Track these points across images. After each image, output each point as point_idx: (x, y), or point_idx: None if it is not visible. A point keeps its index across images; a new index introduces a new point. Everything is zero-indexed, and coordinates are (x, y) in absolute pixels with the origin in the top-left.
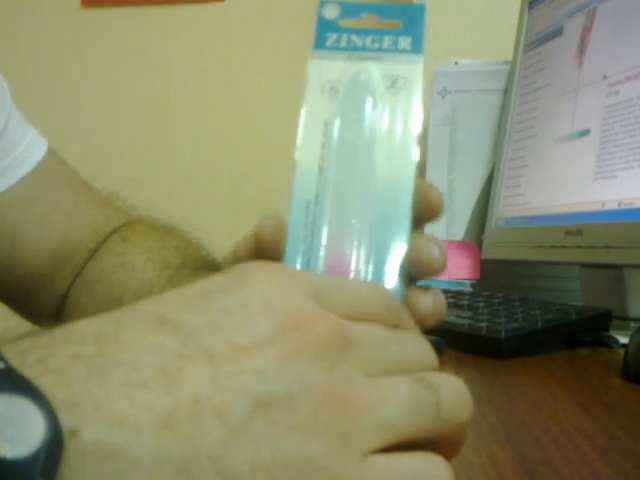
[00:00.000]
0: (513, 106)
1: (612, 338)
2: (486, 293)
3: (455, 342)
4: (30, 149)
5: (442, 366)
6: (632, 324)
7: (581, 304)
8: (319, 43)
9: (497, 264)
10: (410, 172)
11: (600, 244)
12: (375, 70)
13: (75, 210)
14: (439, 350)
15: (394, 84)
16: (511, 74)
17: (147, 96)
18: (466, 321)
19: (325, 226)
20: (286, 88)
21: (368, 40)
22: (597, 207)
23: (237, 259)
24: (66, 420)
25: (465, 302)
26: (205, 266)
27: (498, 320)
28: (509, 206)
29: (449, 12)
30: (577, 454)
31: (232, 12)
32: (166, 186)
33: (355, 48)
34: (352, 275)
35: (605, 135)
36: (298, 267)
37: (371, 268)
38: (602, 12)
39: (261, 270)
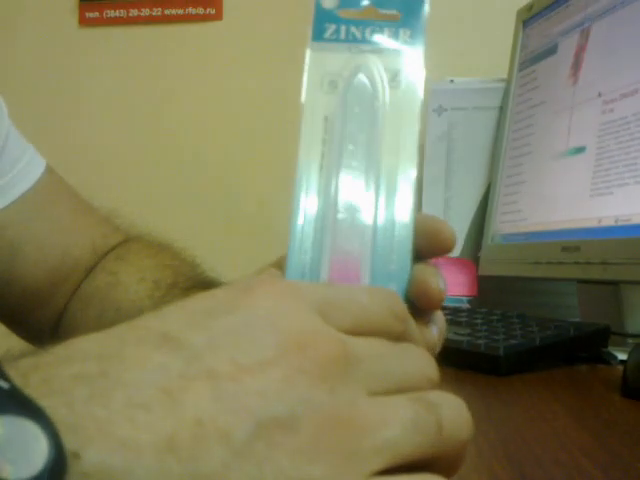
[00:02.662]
0: (509, 123)
1: (610, 354)
2: (484, 310)
3: (453, 359)
4: (29, 167)
5: (440, 383)
6: (630, 340)
7: (579, 320)
8: (317, 34)
9: (494, 281)
10: (412, 168)
11: (597, 260)
12: (376, 64)
13: (74, 228)
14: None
15: (395, 77)
16: (506, 92)
17: (145, 115)
18: (464, 338)
19: (329, 226)
20: (284, 106)
21: (368, 32)
22: (594, 223)
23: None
24: (69, 442)
25: (463, 319)
26: (196, 285)
27: (496, 337)
28: (506, 222)
29: (445, 31)
30: (578, 472)
31: (230, 31)
32: (163, 203)
33: (355, 40)
34: (356, 277)
35: (600, 152)
36: (301, 272)
37: (377, 265)
38: (596, 30)
39: (265, 286)
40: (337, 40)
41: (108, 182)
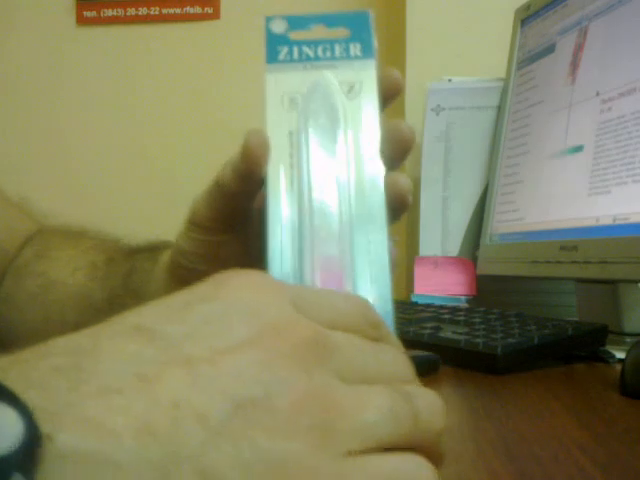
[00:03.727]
0: (507, 123)
1: (608, 353)
2: (482, 309)
3: (451, 358)
4: None
5: (438, 382)
6: (628, 339)
7: (577, 319)
8: (271, 57)
9: (492, 280)
10: (378, 168)
11: (595, 259)
12: (331, 78)
13: None
14: (435, 366)
15: (351, 89)
16: (504, 91)
17: (142, 113)
18: (462, 337)
19: (307, 241)
20: None
21: (320, 50)
22: (592, 222)
23: (220, 185)
24: (43, 426)
25: (461, 318)
26: (136, 250)
27: (494, 336)
28: (503, 222)
29: (443, 30)
30: (577, 470)
31: (227, 30)
32: (161, 201)
33: (308, 59)
34: (342, 280)
35: (598, 151)
36: (285, 279)
37: (359, 278)
38: (594, 29)
39: (241, 279)
40: (291, 60)
41: (106, 180)
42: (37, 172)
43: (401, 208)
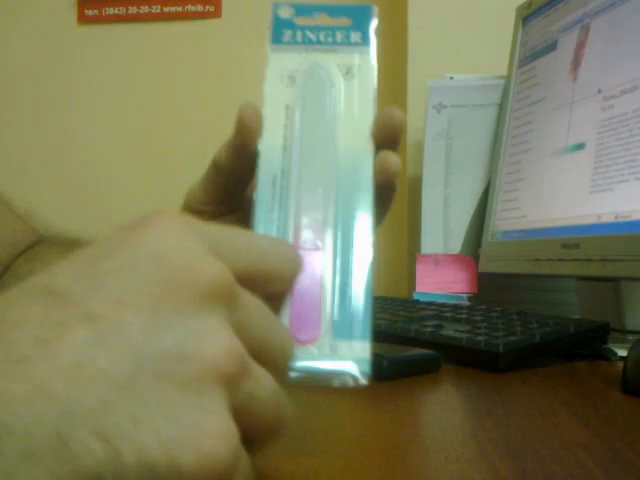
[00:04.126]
0: (508, 120)
1: (610, 351)
2: (484, 307)
3: (453, 356)
4: None
5: (440, 380)
6: (630, 337)
7: (579, 317)
8: (276, 39)
9: (494, 278)
10: (368, 146)
11: (597, 257)
12: (330, 60)
13: None
14: (437, 365)
15: (349, 72)
16: (506, 89)
17: (144, 112)
18: (464, 335)
19: (293, 196)
20: None
21: (322, 35)
22: (593, 220)
23: (217, 163)
24: None
25: (463, 316)
26: None
27: (496, 334)
28: (505, 220)
29: (444, 28)
30: (579, 468)
31: (228, 28)
32: (159, 199)
33: (310, 42)
34: (322, 243)
35: (600, 149)
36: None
37: (339, 233)
38: (596, 27)
39: (152, 222)
40: (295, 43)
41: (108, 178)
42: (38, 171)
43: (388, 188)
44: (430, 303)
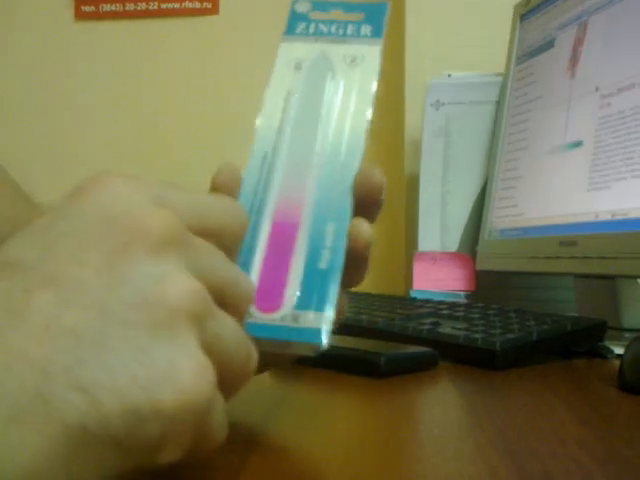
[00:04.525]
0: (506, 118)
1: (607, 349)
2: (481, 304)
3: (450, 354)
4: None
5: (437, 378)
6: (627, 334)
7: (576, 315)
8: (290, 30)
9: (491, 275)
10: (362, 132)
11: (594, 255)
12: (337, 50)
13: (14, 219)
14: (434, 362)
15: (353, 61)
16: (504, 86)
17: (141, 108)
18: (461, 332)
19: (279, 174)
20: None
21: (333, 27)
22: (591, 218)
23: None
24: None
25: (460, 313)
26: None
27: (493, 331)
28: (503, 217)
29: (442, 25)
30: (576, 465)
31: (226, 25)
32: None
33: (322, 33)
34: (297, 219)
35: (598, 146)
36: (248, 209)
37: (316, 212)
38: (594, 24)
39: (99, 182)
40: (306, 34)
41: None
42: (35, 168)
43: (374, 205)
44: (427, 301)
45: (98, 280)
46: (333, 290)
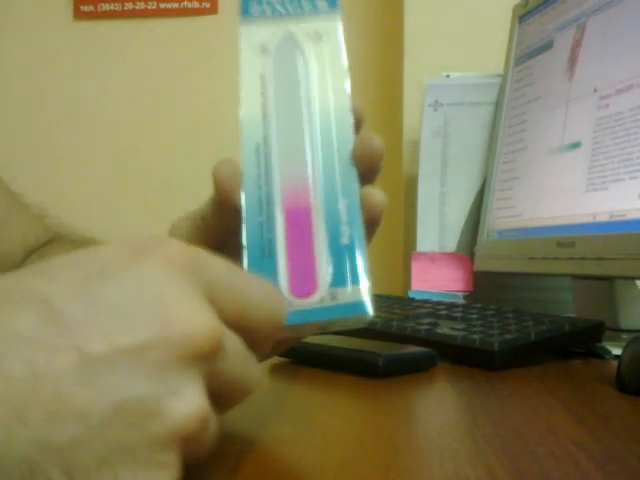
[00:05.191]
0: (504, 119)
1: (605, 349)
2: (479, 305)
3: (448, 354)
4: None
5: (435, 378)
6: (624, 335)
7: (574, 316)
8: (245, 11)
9: (489, 276)
10: (346, 104)
11: (592, 256)
12: (299, 28)
13: (6, 224)
14: (432, 362)
15: (318, 38)
16: (502, 87)
17: (140, 108)
18: (459, 333)
19: (277, 162)
20: None
21: (289, 6)
22: (589, 219)
23: (203, 216)
24: None
25: (458, 314)
26: None
27: (491, 332)
28: (501, 218)
29: (441, 26)
30: (574, 466)
31: (224, 25)
32: (159, 197)
33: (279, 14)
34: (309, 202)
35: (596, 147)
36: (257, 204)
37: (324, 191)
38: (592, 26)
39: (159, 251)
40: (264, 15)
41: (103, 175)
42: (33, 168)
43: (375, 170)
44: (426, 301)
45: (124, 368)
46: (362, 261)
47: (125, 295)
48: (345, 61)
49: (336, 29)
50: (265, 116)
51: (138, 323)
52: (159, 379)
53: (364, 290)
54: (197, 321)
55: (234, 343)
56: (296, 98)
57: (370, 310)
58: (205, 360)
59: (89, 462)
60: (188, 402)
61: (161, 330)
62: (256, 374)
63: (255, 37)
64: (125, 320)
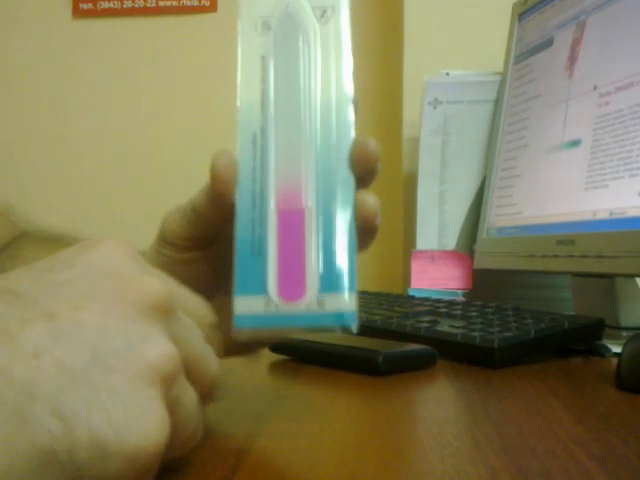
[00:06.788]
0: (504, 117)
1: (604, 347)
2: (479, 303)
3: (448, 352)
4: None
5: (435, 376)
6: (624, 333)
7: (573, 313)
8: None
9: (489, 274)
10: (347, 99)
11: (592, 253)
12: (304, 2)
13: None
14: (432, 360)
15: (324, 14)
16: (502, 85)
17: (139, 106)
18: (459, 331)
19: (273, 155)
20: None
21: None
22: (588, 217)
23: (196, 210)
24: None
25: (458, 312)
26: None
27: (491, 330)
28: (501, 216)
29: (440, 24)
30: (573, 463)
31: (224, 23)
32: (158, 197)
33: None
34: (303, 202)
35: (596, 145)
36: (251, 198)
37: (320, 192)
38: (592, 23)
39: (104, 243)
40: None
41: (104, 173)
42: (33, 167)
43: (369, 231)
44: (425, 299)
45: (93, 325)
46: (352, 270)
47: (80, 274)
48: (349, 44)
49: (344, 5)
50: (264, 104)
51: (98, 291)
52: (127, 330)
53: (352, 301)
54: (150, 282)
55: (185, 317)
56: (296, 87)
57: (354, 324)
58: (164, 313)
59: (78, 406)
60: (158, 345)
61: (120, 292)
62: (213, 352)
63: (255, 9)
64: (87, 290)
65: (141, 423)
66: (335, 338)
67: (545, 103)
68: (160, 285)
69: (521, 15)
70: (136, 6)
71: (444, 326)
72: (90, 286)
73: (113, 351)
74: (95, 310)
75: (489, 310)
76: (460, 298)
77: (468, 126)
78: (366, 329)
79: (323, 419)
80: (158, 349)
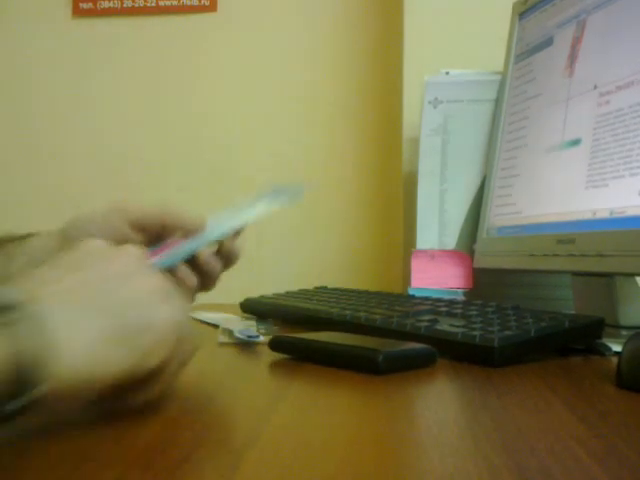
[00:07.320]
0: (504, 116)
1: (604, 346)
2: (479, 302)
3: (448, 351)
4: None
5: (435, 375)
6: (624, 332)
7: (573, 312)
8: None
9: (489, 273)
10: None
11: (592, 252)
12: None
13: None
14: (432, 359)
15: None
16: (502, 84)
17: (138, 105)
18: (459, 330)
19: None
20: (278, 97)
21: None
22: (588, 216)
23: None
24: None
25: (458, 311)
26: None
27: (491, 329)
28: (501, 215)
29: (440, 24)
30: (574, 462)
31: (224, 22)
32: (156, 196)
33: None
34: None
35: (596, 144)
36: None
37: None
38: (592, 22)
39: (92, 243)
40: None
41: (102, 173)
42: (32, 165)
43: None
44: (425, 298)
45: (123, 294)
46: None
47: (75, 257)
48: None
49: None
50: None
51: (115, 262)
52: (133, 266)
53: None
54: (126, 248)
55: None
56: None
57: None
58: (160, 290)
59: (137, 320)
60: (155, 276)
61: (108, 255)
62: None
63: None
64: (105, 262)
65: (166, 311)
66: (336, 337)
67: (545, 102)
68: (133, 249)
69: (521, 14)
70: (136, 6)
71: (444, 325)
72: (108, 261)
73: (128, 279)
74: (121, 284)
75: (489, 309)
76: (460, 297)
77: (468, 126)
78: (366, 328)
79: (323, 417)
80: (158, 278)
